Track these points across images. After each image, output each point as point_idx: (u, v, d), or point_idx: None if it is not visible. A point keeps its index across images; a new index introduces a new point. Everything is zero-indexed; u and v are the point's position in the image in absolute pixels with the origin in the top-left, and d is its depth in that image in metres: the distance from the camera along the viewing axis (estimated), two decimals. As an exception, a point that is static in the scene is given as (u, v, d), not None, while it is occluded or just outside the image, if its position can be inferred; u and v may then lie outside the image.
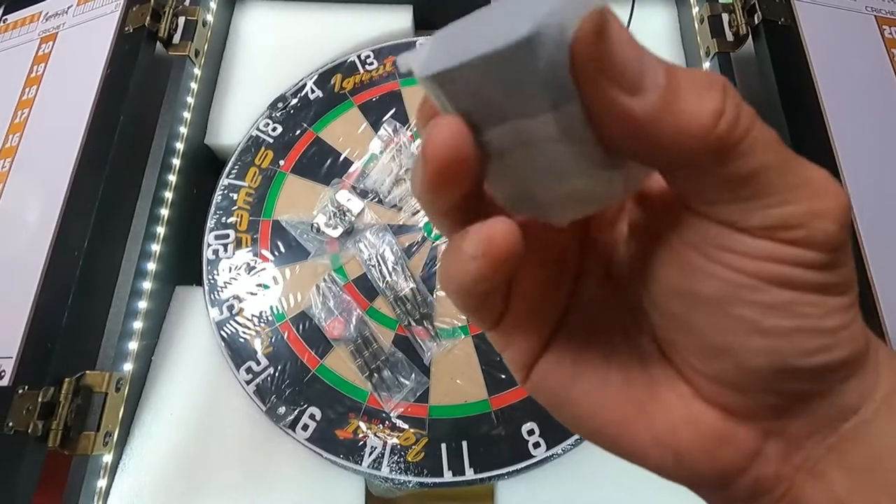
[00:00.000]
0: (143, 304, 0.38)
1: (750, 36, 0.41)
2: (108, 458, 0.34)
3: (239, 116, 0.48)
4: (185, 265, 0.43)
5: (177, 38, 0.44)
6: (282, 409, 0.38)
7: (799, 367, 0.12)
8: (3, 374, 0.33)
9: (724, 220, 0.11)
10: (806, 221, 0.11)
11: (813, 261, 0.11)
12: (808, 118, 0.37)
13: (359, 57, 0.49)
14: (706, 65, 0.43)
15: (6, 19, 0.51)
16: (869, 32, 0.43)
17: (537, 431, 0.37)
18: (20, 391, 0.32)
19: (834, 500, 0.12)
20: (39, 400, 0.31)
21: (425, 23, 0.52)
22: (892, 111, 0.40)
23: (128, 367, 0.36)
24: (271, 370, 0.39)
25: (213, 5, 0.48)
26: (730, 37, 0.42)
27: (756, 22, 0.40)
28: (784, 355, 0.12)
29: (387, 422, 0.37)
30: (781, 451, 0.13)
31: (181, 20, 0.45)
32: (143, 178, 0.39)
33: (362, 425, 0.37)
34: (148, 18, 0.42)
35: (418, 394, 0.38)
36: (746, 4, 0.41)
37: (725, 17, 0.43)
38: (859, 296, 0.12)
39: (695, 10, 0.46)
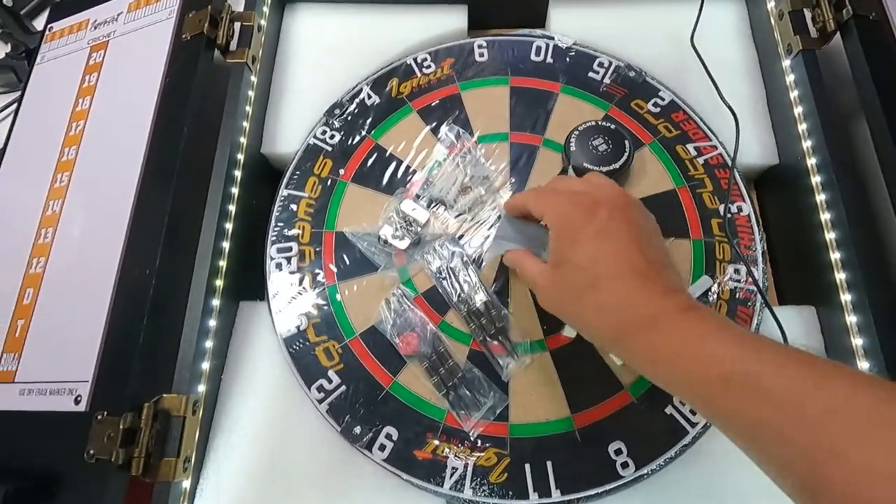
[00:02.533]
0: (213, 323, 0.36)
1: (838, 32, 0.39)
2: (187, 484, 0.33)
3: (294, 124, 0.46)
4: (247, 279, 0.42)
5: (233, 45, 0.43)
6: (357, 429, 0.36)
7: None
8: (79, 398, 0.32)
9: None
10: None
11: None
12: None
13: (415, 60, 0.48)
14: (786, 63, 0.41)
15: (52, 27, 0.50)
16: (960, 25, 0.41)
17: (625, 451, 0.35)
18: (99, 417, 0.31)
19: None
20: (120, 426, 0.30)
21: (480, 22, 0.51)
22: None
23: (201, 388, 0.35)
24: (343, 388, 0.38)
25: (265, 10, 0.46)
26: (814, 33, 0.40)
27: (845, 17, 0.38)
28: None
29: (466, 441, 0.36)
30: None
31: (237, 26, 0.43)
32: (209, 191, 0.38)
33: (441, 445, 0.36)
34: (206, 25, 0.41)
35: (498, 412, 0.37)
36: (833, -1, 0.39)
37: (807, 12, 0.41)
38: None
39: (770, 4, 0.44)
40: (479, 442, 0.36)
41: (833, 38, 0.39)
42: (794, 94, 0.40)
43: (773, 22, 0.43)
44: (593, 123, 0.41)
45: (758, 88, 0.45)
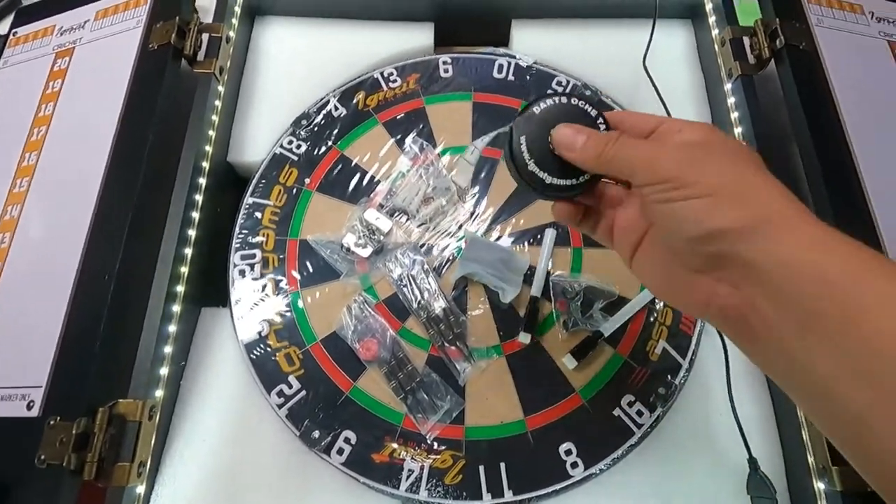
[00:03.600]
0: (172, 328, 0.37)
1: (772, 59, 0.42)
2: (141, 489, 0.33)
3: (261, 133, 0.47)
4: (210, 285, 0.42)
5: (201, 55, 0.44)
6: (316, 433, 0.37)
7: (693, 236, 0.22)
8: (32, 404, 0.32)
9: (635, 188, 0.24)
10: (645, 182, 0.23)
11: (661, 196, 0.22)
12: (832, 138, 0.38)
13: (382, 74, 0.49)
14: (728, 86, 0.44)
15: (16, 32, 0.50)
16: (882, 56, 0.44)
17: (574, 451, 0.37)
18: (51, 422, 0.31)
19: (762, 318, 0.21)
20: (73, 431, 0.30)
21: (447, 39, 0.53)
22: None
23: (159, 393, 0.35)
24: (304, 393, 0.38)
25: (234, 21, 0.47)
26: (752, 59, 0.43)
27: (779, 46, 0.41)
28: (683, 231, 0.22)
29: (423, 444, 0.37)
30: (728, 290, 0.22)
31: (205, 37, 0.44)
32: (172, 198, 0.38)
33: (398, 448, 0.37)
34: (174, 35, 0.41)
35: (454, 415, 0.38)
36: (768, 29, 0.42)
37: (746, 40, 0.44)
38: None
39: (714, 31, 0.47)
40: (436, 444, 0.37)
41: (769, 65, 0.42)
42: (734, 115, 0.43)
43: (716, 48, 0.46)
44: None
45: (704, 109, 0.48)
